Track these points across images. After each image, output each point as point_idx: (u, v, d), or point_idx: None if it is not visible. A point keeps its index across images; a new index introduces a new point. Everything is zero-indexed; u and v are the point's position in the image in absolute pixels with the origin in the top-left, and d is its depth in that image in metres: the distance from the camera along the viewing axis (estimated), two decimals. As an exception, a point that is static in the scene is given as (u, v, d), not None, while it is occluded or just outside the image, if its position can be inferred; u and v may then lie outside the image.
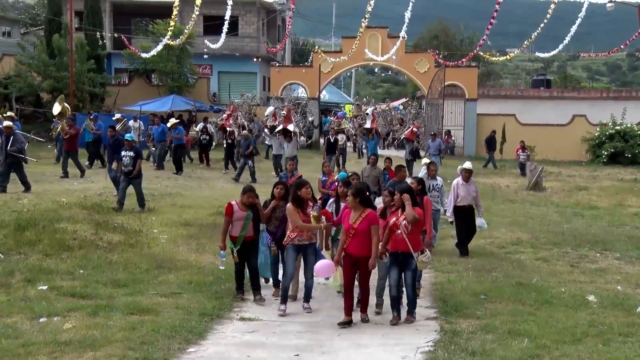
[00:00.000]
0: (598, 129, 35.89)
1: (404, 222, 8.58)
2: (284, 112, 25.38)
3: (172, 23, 21.76)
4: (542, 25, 19.92)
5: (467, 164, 12.81)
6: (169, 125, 24.47)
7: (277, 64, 42.65)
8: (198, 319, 8.53)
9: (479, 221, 12.67)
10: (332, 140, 25.43)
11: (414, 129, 28.27)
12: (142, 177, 16.04)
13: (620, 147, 34.39)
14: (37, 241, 11.64)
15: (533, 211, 18.26)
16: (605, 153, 34.50)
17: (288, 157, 22.11)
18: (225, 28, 22.29)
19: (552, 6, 18.14)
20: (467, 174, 12.55)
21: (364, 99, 41.35)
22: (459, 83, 38.11)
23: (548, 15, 19.52)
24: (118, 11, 45.29)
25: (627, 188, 23.39)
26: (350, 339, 8.12)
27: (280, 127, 23.91)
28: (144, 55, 29.80)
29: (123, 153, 15.79)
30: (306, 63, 41.30)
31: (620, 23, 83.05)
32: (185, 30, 25.23)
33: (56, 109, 23.53)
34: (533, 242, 13.94)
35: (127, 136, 16.57)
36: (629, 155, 34.19)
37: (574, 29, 20.37)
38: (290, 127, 23.78)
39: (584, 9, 18.70)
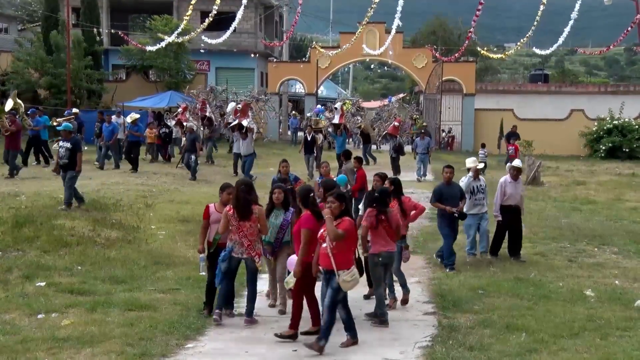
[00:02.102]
0: (596, 124, 35.93)
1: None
2: (239, 105, 23.51)
3: (183, 23, 21.74)
4: (535, 23, 19.85)
5: (517, 162, 12.61)
6: (129, 120, 22.96)
7: (275, 60, 42.62)
8: (196, 315, 8.54)
9: None
10: (309, 139, 23.33)
11: (396, 124, 27.08)
12: (79, 174, 14.44)
13: (618, 142, 34.43)
14: (35, 238, 11.65)
15: (531, 206, 18.24)
16: (603, 147, 34.53)
17: (244, 154, 20.94)
18: (234, 25, 22.03)
19: (542, 4, 18.09)
20: (516, 172, 12.23)
21: (343, 94, 40.27)
22: (456, 78, 38.14)
23: (539, 13, 19.45)
24: (115, 7, 45.18)
25: (625, 182, 23.42)
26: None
27: (235, 122, 22.14)
28: (148, 48, 29.65)
29: (60, 144, 14.49)
30: (304, 59, 41.28)
31: (618, 17, 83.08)
32: (198, 29, 24.94)
33: (9, 104, 22.09)
34: (531, 236, 13.94)
35: (64, 125, 15.02)
36: (627, 150, 34.23)
37: (567, 29, 20.31)
38: (245, 123, 21.84)
39: (578, 4, 18.65)
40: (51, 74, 33.64)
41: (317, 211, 7.94)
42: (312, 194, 8.18)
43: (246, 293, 8.61)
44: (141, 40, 35.32)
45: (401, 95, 66.22)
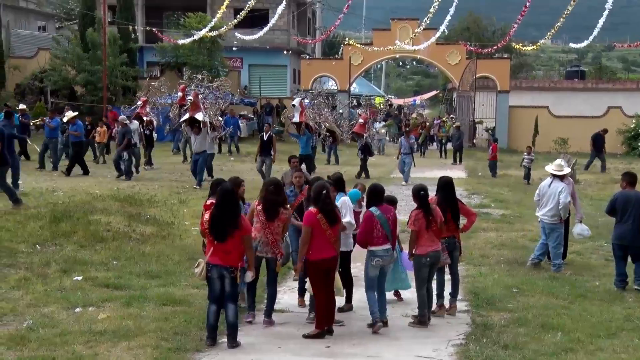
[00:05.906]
0: (634, 121, 35.24)
1: None
2: (190, 97, 19.77)
3: (217, 16, 21.54)
4: (565, 14, 19.58)
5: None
6: (65, 119, 21.02)
7: (308, 57, 42.61)
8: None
9: (579, 228, 11.39)
10: (265, 139, 19.72)
11: (361, 121, 23.88)
12: (5, 168, 13.64)
13: (656, 140, 33.76)
14: (72, 232, 11.84)
15: (566, 204, 18.01)
16: (641, 145, 33.89)
17: (195, 151, 18.85)
18: (272, 21, 21.74)
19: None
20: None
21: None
22: (490, 75, 37.71)
23: (570, 7, 19.19)
24: (150, 5, 45.70)
25: (663, 181, 22.93)
26: (381, 331, 8.11)
27: (187, 116, 19.44)
28: (180, 41, 29.65)
29: None
30: (336, 55, 41.26)
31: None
32: (230, 25, 24.73)
33: None
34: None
35: None
36: (665, 148, 33.54)
37: (602, 20, 20.01)
38: (199, 117, 18.92)
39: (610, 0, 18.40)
40: (87, 71, 34.15)
41: (328, 210, 7.87)
42: (325, 191, 7.91)
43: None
44: (176, 37, 35.71)
45: (431, 93, 65.84)
